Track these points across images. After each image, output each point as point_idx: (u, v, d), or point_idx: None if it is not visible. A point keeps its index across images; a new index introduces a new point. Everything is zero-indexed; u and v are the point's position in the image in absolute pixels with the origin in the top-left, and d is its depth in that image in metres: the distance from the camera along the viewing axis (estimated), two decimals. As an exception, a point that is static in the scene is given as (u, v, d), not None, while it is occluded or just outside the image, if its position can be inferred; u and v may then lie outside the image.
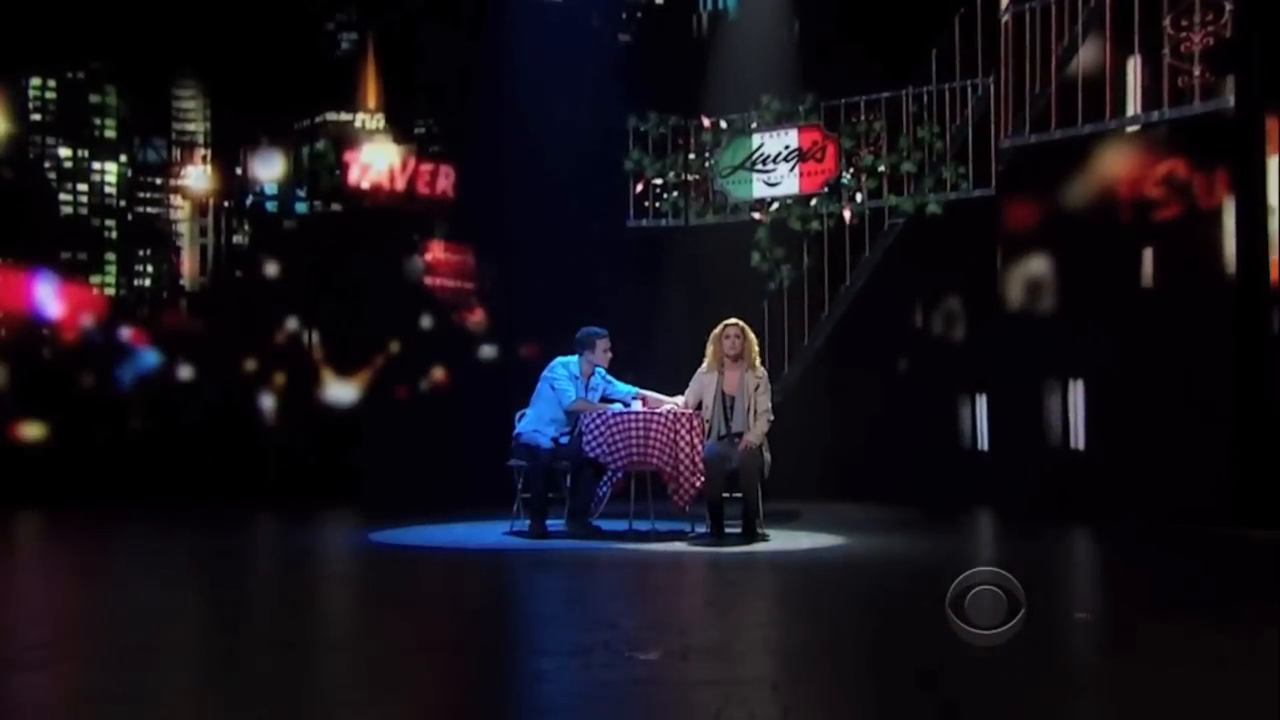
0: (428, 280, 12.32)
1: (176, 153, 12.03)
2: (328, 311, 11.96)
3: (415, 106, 12.31)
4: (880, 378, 11.43)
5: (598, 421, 7.72)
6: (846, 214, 11.56)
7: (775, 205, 11.89)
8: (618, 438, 7.66)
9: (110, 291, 11.78)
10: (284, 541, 7.00)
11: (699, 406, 7.83)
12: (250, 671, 3.49)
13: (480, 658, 3.76)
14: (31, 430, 11.55)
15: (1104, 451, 9.63)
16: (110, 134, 11.93)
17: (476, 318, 12.22)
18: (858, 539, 7.56)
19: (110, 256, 11.84)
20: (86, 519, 8.84)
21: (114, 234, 11.86)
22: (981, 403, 10.89)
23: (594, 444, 7.68)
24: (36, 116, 11.71)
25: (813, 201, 11.75)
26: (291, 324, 12.05)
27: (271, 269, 12.08)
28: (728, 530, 7.64)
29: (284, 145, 12.14)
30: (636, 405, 7.87)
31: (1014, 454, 10.25)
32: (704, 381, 7.90)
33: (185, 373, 11.81)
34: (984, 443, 10.74)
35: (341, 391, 12.11)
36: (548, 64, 11.79)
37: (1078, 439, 9.93)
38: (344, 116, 12.29)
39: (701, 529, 7.73)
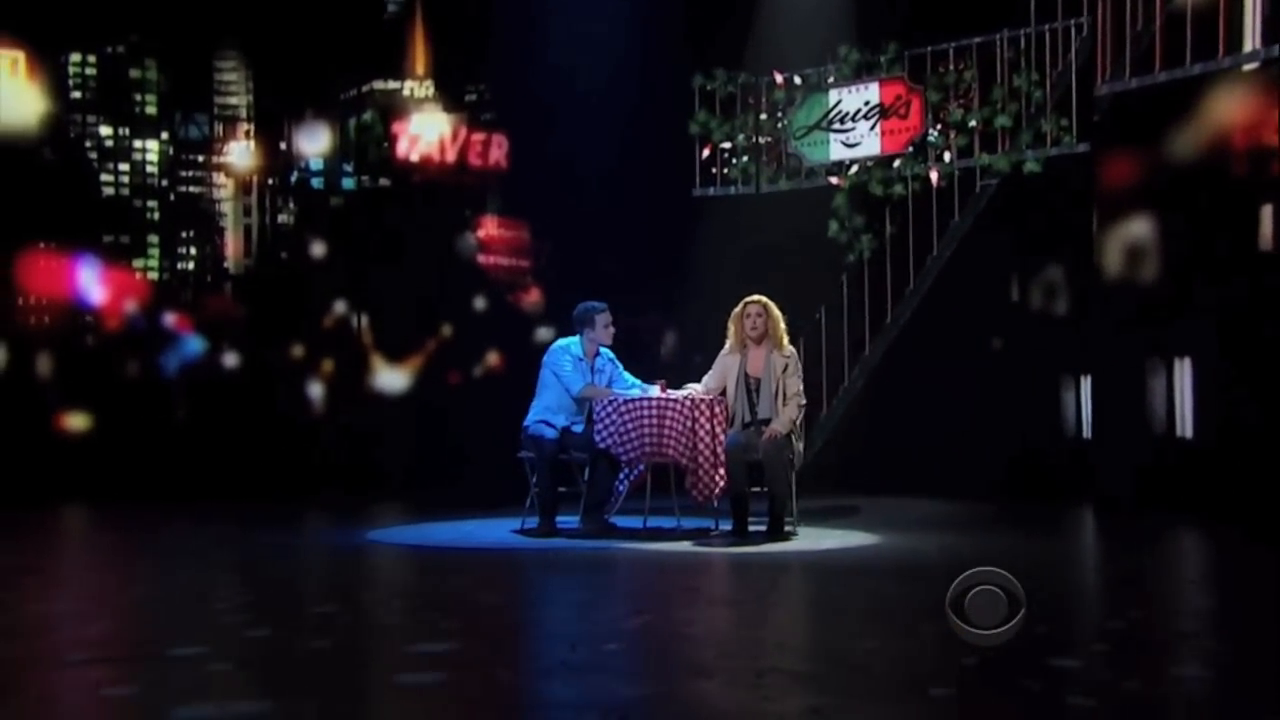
0: (481, 259, 12.20)
1: (219, 128, 12.14)
2: (377, 294, 11.97)
3: (466, 72, 12.20)
4: (972, 358, 10.87)
5: (609, 409, 7.42)
6: (933, 176, 10.99)
7: (854, 168, 11.39)
8: (630, 427, 7.35)
9: (153, 276, 11.99)
10: (262, 540, 6.91)
11: (723, 393, 7.51)
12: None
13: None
14: (76, 421, 11.87)
15: (1214, 440, 8.95)
16: (151, 110, 12.08)
17: (533, 298, 12.04)
18: (896, 538, 7.08)
19: (153, 239, 12.02)
20: (127, 514, 8.93)
21: (156, 215, 12.05)
22: (1083, 385, 10.24)
23: (605, 434, 7.39)
24: (76, 94, 11.97)
25: (896, 163, 11.22)
26: (340, 307, 12.11)
27: (318, 249, 12.14)
28: (752, 528, 7.31)
29: (329, 117, 12.11)
30: (654, 390, 7.58)
31: (1111, 443, 9.61)
32: (726, 364, 7.54)
33: (230, 360, 11.99)
34: (1085, 430, 10.11)
35: (392, 379, 12.11)
36: (606, 21, 11.55)
37: (1184, 426, 9.24)
38: (391, 85, 12.19)
39: (726, 525, 7.42)
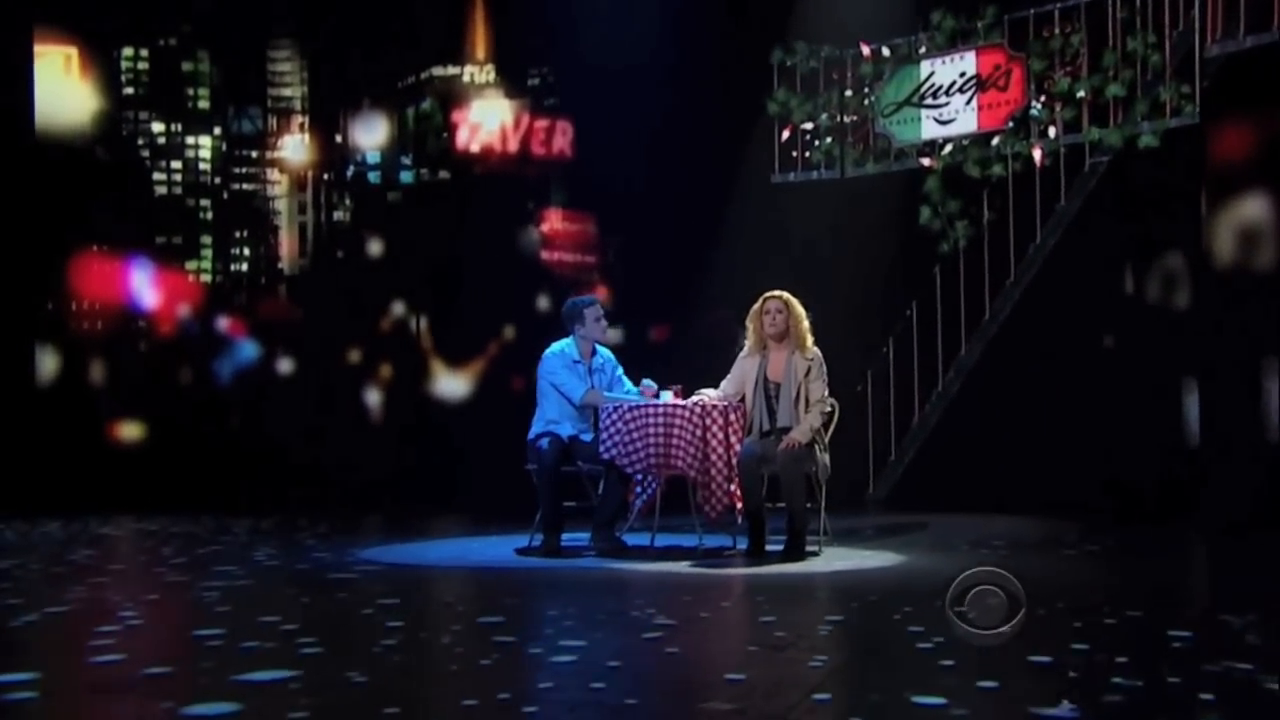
0: (545, 254, 12.10)
1: (272, 122, 12.30)
2: (436, 294, 11.96)
3: (529, 54, 12.09)
4: (1080, 359, 10.28)
5: (614, 416, 7.15)
6: (1037, 154, 10.46)
7: (948, 147, 10.94)
8: (635, 436, 7.07)
9: (206, 278, 12.21)
10: (239, 561, 6.89)
11: (743, 399, 7.20)
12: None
13: None
14: (130, 430, 12.17)
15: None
16: (203, 104, 12.31)
17: (599, 296, 11.86)
18: (928, 560, 6.62)
19: (206, 239, 12.26)
20: (174, 525, 9.06)
21: (209, 214, 12.28)
22: (1192, 389, 9.58)
23: (610, 443, 7.13)
24: (129, 90, 12.27)
25: (994, 141, 10.70)
26: (398, 309, 12.15)
27: (375, 248, 12.21)
28: (775, 546, 7.00)
29: (387, 107, 12.15)
30: (667, 396, 7.32)
31: (1221, 454, 8.96)
32: (745, 367, 7.20)
33: (285, 366, 12.14)
34: (1193, 440, 9.46)
35: (452, 385, 12.10)
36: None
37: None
38: (451, 70, 12.18)
39: (746, 543, 7.12)
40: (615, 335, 11.72)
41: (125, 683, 3.71)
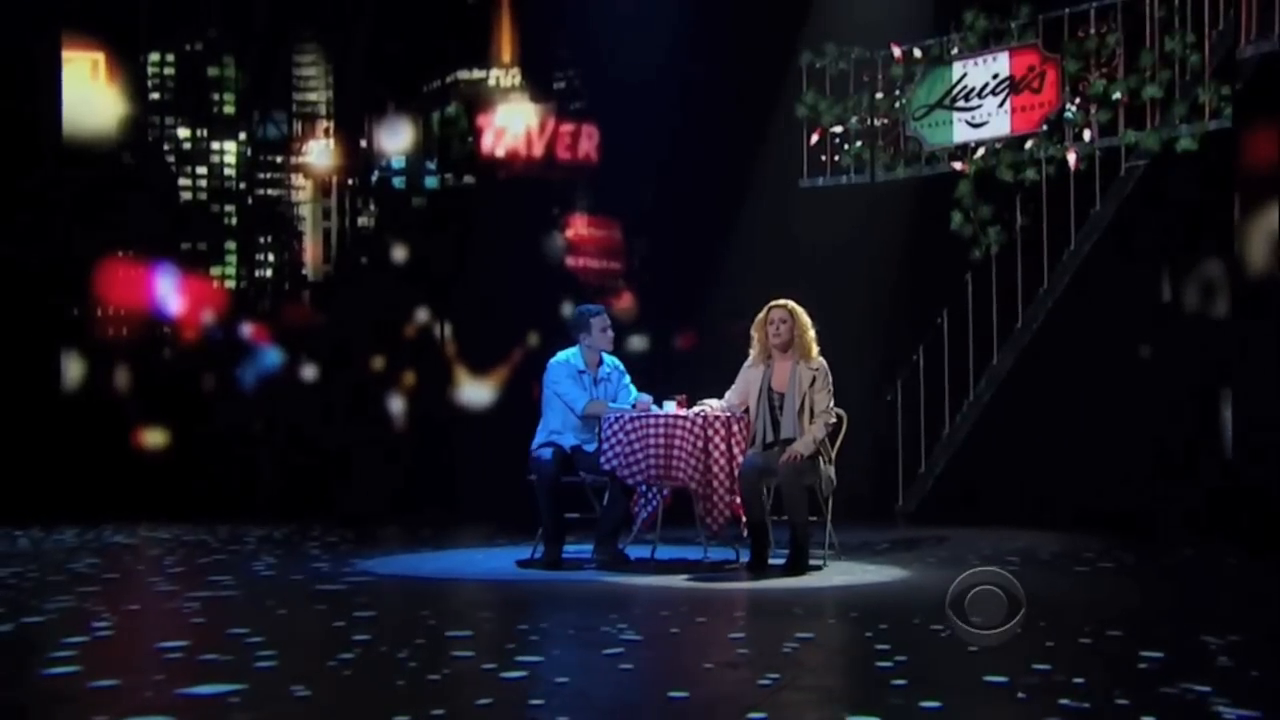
0: (570, 261, 12.17)
1: (297, 126, 12.47)
2: (461, 301, 12.07)
3: (554, 57, 12.17)
4: (1115, 368, 10.20)
5: (615, 426, 7.20)
6: (1071, 158, 10.39)
7: (980, 151, 10.89)
8: (636, 447, 7.09)
9: (231, 284, 12.40)
10: (236, 571, 7.02)
11: (748, 410, 7.24)
12: None
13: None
14: (154, 437, 12.38)
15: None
16: (229, 109, 12.51)
17: (624, 303, 11.89)
18: (933, 575, 6.61)
19: (230, 245, 12.46)
20: (189, 533, 9.23)
21: (234, 220, 12.47)
22: (1227, 400, 9.47)
23: (610, 454, 7.19)
24: (155, 95, 12.48)
25: (1028, 144, 10.64)
26: (422, 315, 12.28)
27: (399, 253, 12.34)
28: (773, 560, 7.03)
29: (412, 111, 12.30)
30: (670, 406, 7.36)
31: (1253, 469, 8.86)
32: (749, 377, 7.24)
33: (309, 372, 12.31)
34: (1226, 453, 9.35)
35: (476, 392, 12.20)
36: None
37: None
38: (476, 74, 12.27)
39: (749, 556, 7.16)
40: (640, 343, 11.84)
41: (66, 695, 3.81)
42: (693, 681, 4.01)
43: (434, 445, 11.95)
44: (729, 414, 7.15)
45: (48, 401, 11.67)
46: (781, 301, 7.14)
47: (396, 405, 12.22)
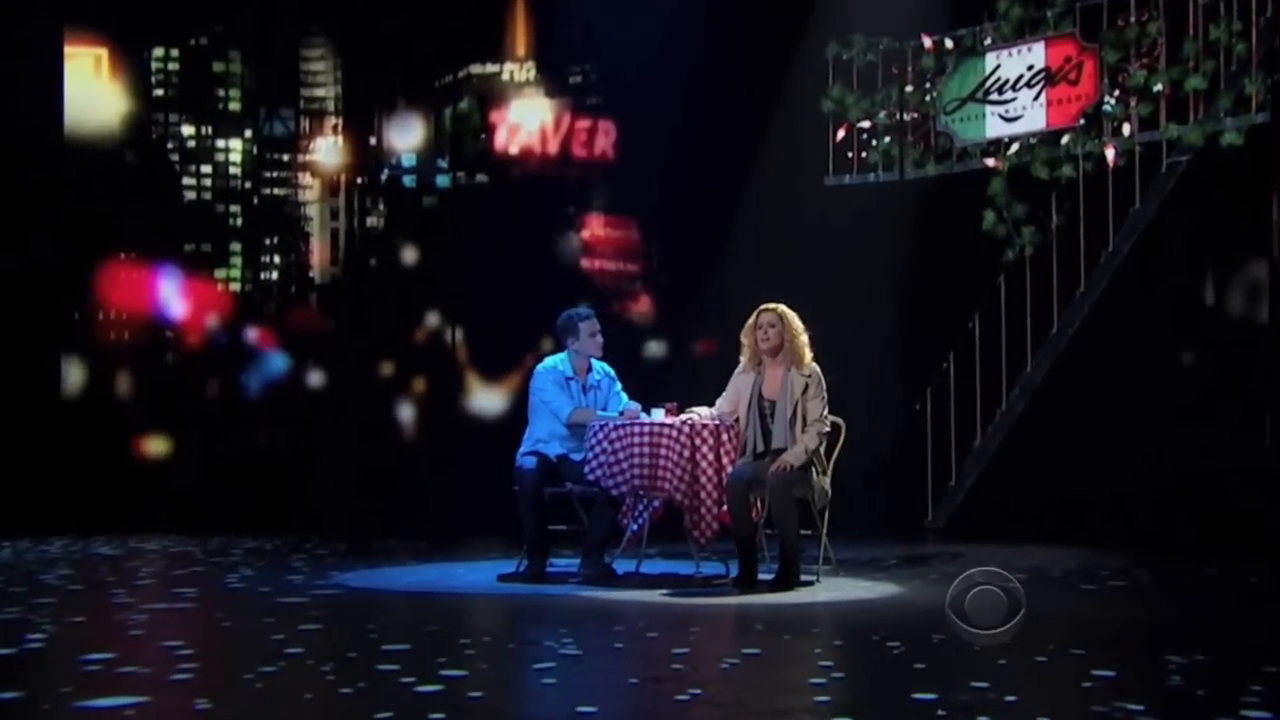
0: (585, 263, 12.25)
1: (304, 124, 12.65)
2: (472, 304, 12.18)
3: (570, 50, 12.27)
4: (1155, 376, 10.13)
5: (600, 435, 7.27)
6: (1110, 154, 10.36)
7: (1015, 147, 10.87)
8: (620, 456, 7.14)
9: (235, 287, 12.59)
10: (205, 583, 7.15)
11: (738, 419, 7.27)
12: None
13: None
14: (156, 445, 12.59)
15: None
16: (234, 106, 12.73)
17: (642, 307, 11.97)
18: (928, 591, 6.64)
19: (235, 247, 12.65)
20: (177, 544, 9.41)
21: (239, 221, 12.67)
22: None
23: (594, 463, 7.23)
24: (159, 92, 12.71)
25: (1064, 139, 10.60)
26: (432, 320, 12.40)
27: (409, 255, 12.48)
28: (763, 575, 7.05)
29: (423, 108, 12.44)
30: (658, 414, 7.40)
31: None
32: (739, 384, 7.28)
33: (315, 378, 12.47)
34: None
35: (489, 400, 12.30)
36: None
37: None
38: (489, 69, 12.41)
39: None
40: (659, 349, 11.90)
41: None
42: (607, 696, 4.07)
43: (443, 454, 12.05)
44: (718, 422, 7.17)
45: (47, 408, 11.89)
46: (771, 305, 7.18)
47: (405, 413, 12.34)
